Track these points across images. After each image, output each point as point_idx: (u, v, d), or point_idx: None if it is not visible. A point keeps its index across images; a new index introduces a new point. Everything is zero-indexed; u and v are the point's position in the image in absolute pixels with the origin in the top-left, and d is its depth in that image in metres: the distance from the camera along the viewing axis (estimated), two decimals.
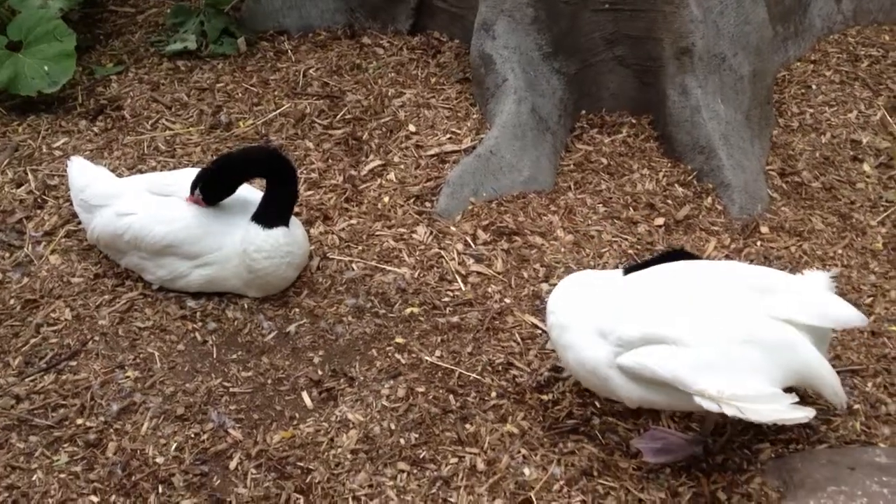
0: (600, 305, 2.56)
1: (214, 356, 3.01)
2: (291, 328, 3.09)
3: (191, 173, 3.14)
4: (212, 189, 3.09)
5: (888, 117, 3.97)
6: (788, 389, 2.45)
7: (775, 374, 2.43)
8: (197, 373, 2.96)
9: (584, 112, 3.93)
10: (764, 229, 3.40)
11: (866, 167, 3.71)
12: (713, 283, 2.57)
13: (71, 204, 3.42)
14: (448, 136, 3.82)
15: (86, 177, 3.32)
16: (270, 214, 3.06)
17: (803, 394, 2.69)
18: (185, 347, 3.04)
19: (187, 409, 2.84)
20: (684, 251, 2.97)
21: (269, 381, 2.93)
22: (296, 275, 3.19)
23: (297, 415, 2.83)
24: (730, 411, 2.34)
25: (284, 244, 3.06)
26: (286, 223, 3.07)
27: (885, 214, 3.50)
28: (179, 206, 3.12)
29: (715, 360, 2.41)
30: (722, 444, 2.69)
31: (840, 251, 3.33)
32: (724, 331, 2.44)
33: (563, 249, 3.34)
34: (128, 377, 2.94)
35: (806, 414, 2.38)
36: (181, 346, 3.04)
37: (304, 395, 2.89)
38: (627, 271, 2.67)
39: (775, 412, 2.38)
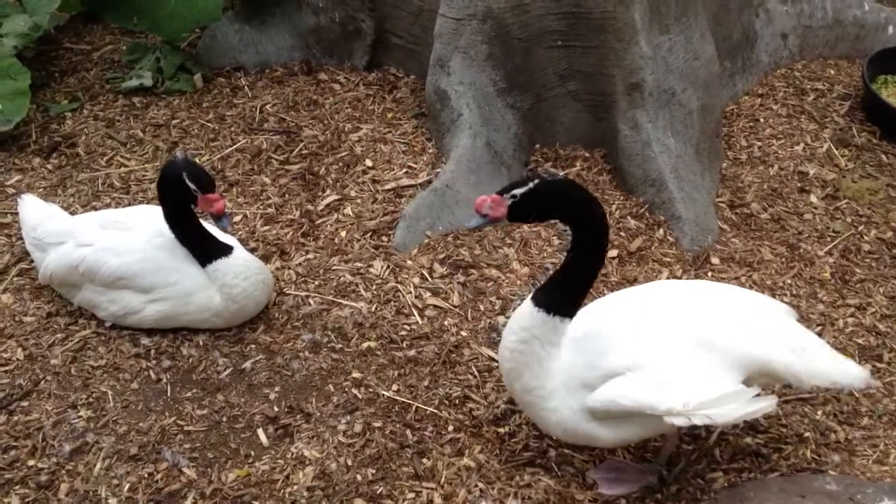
0: (568, 364, 2.55)
1: (169, 394, 2.99)
2: (247, 364, 3.07)
3: (145, 210, 3.13)
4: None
5: (834, 149, 4.07)
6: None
7: (732, 369, 2.46)
8: (151, 411, 2.94)
9: (538, 146, 3.98)
10: (715, 260, 3.46)
11: (813, 198, 3.80)
12: (660, 302, 2.63)
13: (23, 242, 3.39)
14: (404, 170, 3.85)
15: (38, 215, 3.30)
16: (218, 245, 3.09)
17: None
18: (139, 386, 3.01)
19: (141, 449, 2.81)
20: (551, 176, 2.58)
21: (225, 419, 2.91)
22: (266, 299, 3.20)
23: (252, 452, 2.81)
24: (699, 421, 2.37)
25: (247, 261, 3.12)
26: (230, 246, 3.11)
27: (833, 244, 3.58)
28: (134, 240, 3.11)
29: (672, 374, 2.44)
30: (676, 473, 2.72)
31: (789, 281, 3.40)
32: (675, 344, 2.48)
33: (518, 282, 3.37)
34: (80, 417, 2.91)
35: (769, 403, 2.42)
36: (135, 385, 3.02)
37: (260, 432, 2.87)
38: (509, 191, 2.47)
39: (740, 410, 2.40)
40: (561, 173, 3.82)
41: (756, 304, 2.68)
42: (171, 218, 3.06)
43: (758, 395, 2.44)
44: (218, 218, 3.01)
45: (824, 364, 2.55)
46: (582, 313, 2.58)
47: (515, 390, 2.60)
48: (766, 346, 2.50)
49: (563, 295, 2.51)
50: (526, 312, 2.51)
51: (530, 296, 2.53)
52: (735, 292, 2.75)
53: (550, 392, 2.53)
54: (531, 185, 2.43)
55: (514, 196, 2.44)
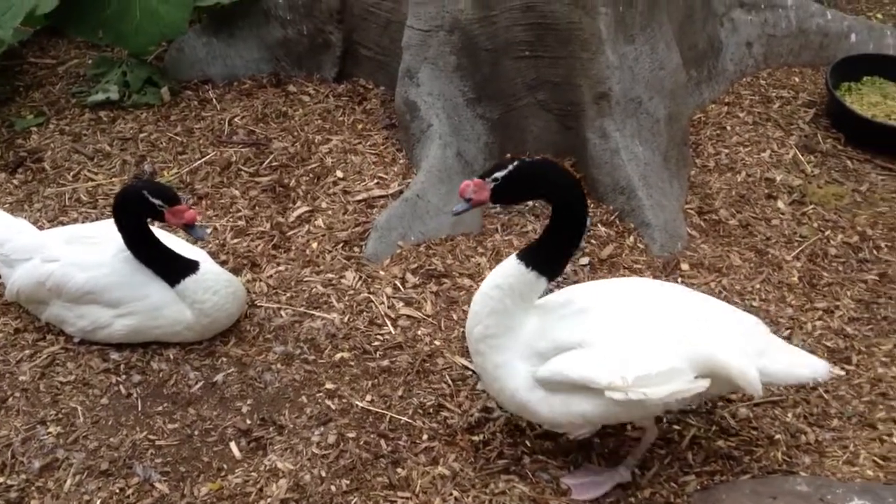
0: (528, 334, 2.59)
1: (139, 409, 2.96)
2: (219, 377, 3.05)
3: (112, 224, 3.11)
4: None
5: (800, 156, 4.12)
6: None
7: (683, 364, 2.48)
8: (121, 426, 2.90)
9: (508, 156, 3.99)
10: (684, 266, 3.49)
11: (780, 204, 3.84)
12: (627, 293, 2.69)
13: None
14: (375, 181, 3.85)
15: (6, 230, 3.26)
16: (184, 262, 3.07)
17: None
18: (109, 401, 2.98)
19: (111, 464, 2.78)
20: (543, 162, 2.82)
21: (196, 433, 2.89)
22: (238, 311, 3.19)
23: (225, 466, 2.79)
24: (635, 396, 2.42)
25: (217, 275, 3.10)
26: (196, 262, 3.09)
27: (800, 249, 3.62)
28: (101, 254, 3.09)
29: (621, 355, 2.48)
30: (650, 477, 2.73)
31: (758, 286, 3.44)
32: (630, 330, 2.53)
33: None
34: (50, 433, 2.87)
35: (704, 383, 2.47)
36: (105, 400, 2.98)
37: (233, 445, 2.85)
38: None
39: (674, 386, 2.45)
40: None
41: (722, 310, 2.70)
42: (131, 243, 3.04)
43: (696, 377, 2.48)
44: (191, 227, 2.99)
45: (785, 363, 2.60)
46: (553, 295, 2.66)
47: (473, 335, 2.61)
48: (724, 348, 2.52)
49: (545, 254, 2.56)
50: (507, 264, 2.58)
51: (516, 252, 2.60)
52: (706, 299, 2.78)
53: (504, 347, 2.57)
54: (510, 167, 2.51)
55: (495, 179, 2.52)
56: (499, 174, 2.51)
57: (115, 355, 3.11)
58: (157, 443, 2.85)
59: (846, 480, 2.72)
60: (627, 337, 2.52)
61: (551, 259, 2.57)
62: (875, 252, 3.62)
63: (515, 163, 2.51)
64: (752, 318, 2.73)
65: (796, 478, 2.68)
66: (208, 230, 3.57)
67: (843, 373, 3.10)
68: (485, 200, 2.56)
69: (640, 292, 2.70)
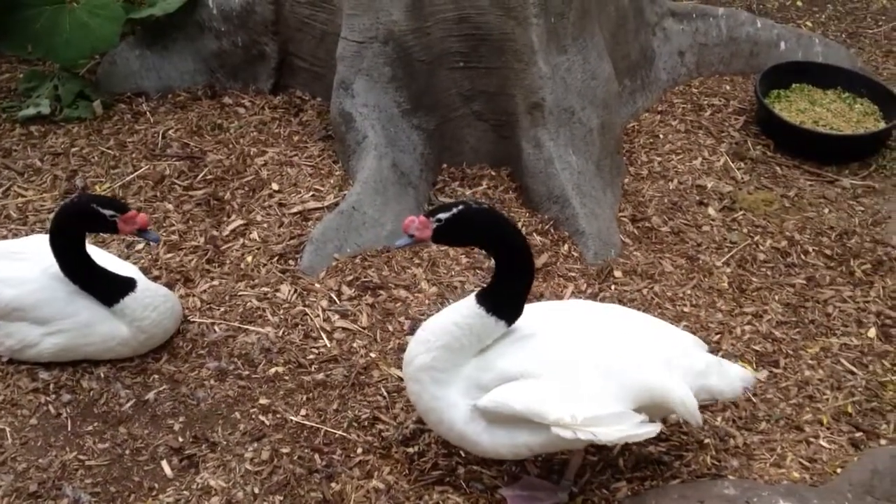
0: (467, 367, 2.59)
1: (69, 429, 2.92)
2: (150, 395, 3.02)
3: (40, 239, 3.07)
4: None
5: (730, 163, 4.20)
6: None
7: (624, 395, 2.52)
8: (50, 447, 2.86)
9: (445, 166, 4.02)
10: (618, 273, 3.54)
11: (711, 211, 3.91)
12: (569, 320, 2.69)
13: None
14: (311, 193, 3.85)
15: None
16: (121, 281, 3.03)
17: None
18: (38, 421, 2.93)
19: (40, 486, 2.73)
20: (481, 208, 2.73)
21: (127, 452, 2.85)
22: (174, 327, 3.16)
23: (156, 485, 2.76)
24: (584, 436, 2.44)
25: (154, 291, 3.07)
26: (133, 280, 3.05)
27: (730, 255, 3.69)
28: (29, 270, 3.04)
29: (565, 388, 2.49)
30: (581, 484, 2.76)
31: (689, 292, 3.49)
32: (573, 360, 2.54)
33: (427, 301, 3.39)
34: None
35: (653, 429, 2.52)
36: (34, 421, 2.93)
37: (164, 463, 2.82)
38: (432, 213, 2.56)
39: (624, 431, 2.48)
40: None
41: (663, 331, 2.73)
42: (67, 265, 2.99)
43: (645, 420, 2.52)
44: (144, 232, 2.96)
45: (724, 380, 2.68)
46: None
47: (414, 363, 2.58)
48: (665, 378, 2.55)
49: (503, 300, 2.56)
50: (467, 304, 2.57)
51: (476, 292, 2.59)
52: (647, 320, 2.80)
53: (444, 381, 2.56)
54: (454, 210, 2.51)
55: (438, 220, 2.52)
56: (442, 216, 2.51)
57: (44, 374, 3.06)
58: (88, 463, 2.82)
59: (773, 483, 2.77)
60: (571, 367, 2.52)
61: (510, 305, 2.57)
62: (803, 257, 3.70)
63: (460, 206, 2.51)
64: (691, 337, 2.77)
65: (724, 481, 2.73)
66: (138, 247, 3.54)
67: (763, 377, 3.16)
68: (426, 238, 2.55)
69: (582, 317, 2.71)
